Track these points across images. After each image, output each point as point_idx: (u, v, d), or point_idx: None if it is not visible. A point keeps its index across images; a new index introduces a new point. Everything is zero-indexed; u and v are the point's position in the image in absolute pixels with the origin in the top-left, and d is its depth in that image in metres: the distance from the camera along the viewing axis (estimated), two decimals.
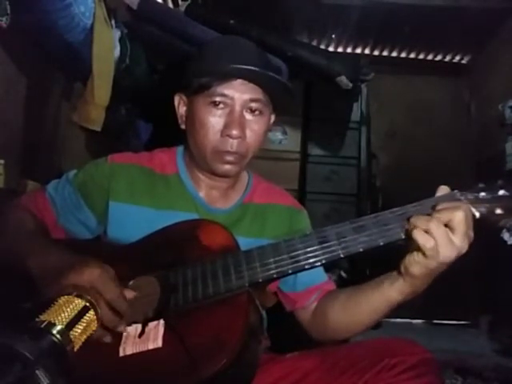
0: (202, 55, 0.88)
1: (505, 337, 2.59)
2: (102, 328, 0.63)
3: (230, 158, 0.83)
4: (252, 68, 0.80)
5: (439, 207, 0.63)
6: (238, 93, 0.81)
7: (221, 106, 0.82)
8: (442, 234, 0.61)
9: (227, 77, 0.81)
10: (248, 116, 0.84)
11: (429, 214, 0.63)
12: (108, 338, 0.66)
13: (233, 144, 0.82)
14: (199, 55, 0.88)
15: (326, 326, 0.84)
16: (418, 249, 0.64)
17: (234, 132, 0.81)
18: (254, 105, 0.83)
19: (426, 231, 0.62)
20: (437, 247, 0.61)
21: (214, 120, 0.82)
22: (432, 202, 0.67)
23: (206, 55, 0.87)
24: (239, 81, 0.81)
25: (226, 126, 0.82)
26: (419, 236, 0.62)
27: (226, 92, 0.81)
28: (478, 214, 0.64)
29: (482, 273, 3.03)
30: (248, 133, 0.84)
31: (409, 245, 0.67)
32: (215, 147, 0.83)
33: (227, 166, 0.85)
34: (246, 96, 0.82)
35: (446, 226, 0.62)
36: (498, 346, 2.57)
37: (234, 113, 0.82)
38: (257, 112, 0.84)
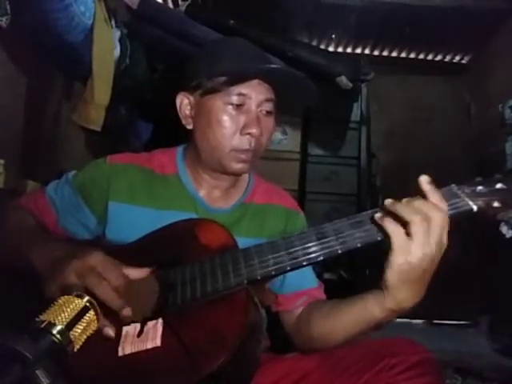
0: (212, 56, 0.87)
1: (505, 337, 2.59)
2: (104, 318, 0.62)
3: (246, 156, 0.85)
4: (276, 66, 0.85)
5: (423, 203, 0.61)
6: (255, 92, 0.84)
7: (239, 105, 0.83)
8: (423, 235, 0.59)
9: (247, 77, 0.82)
10: (261, 115, 0.85)
11: None
12: (109, 331, 0.64)
13: (252, 142, 0.84)
14: (209, 56, 0.88)
15: (306, 333, 0.82)
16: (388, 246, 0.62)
17: (255, 130, 0.83)
18: (267, 104, 0.86)
19: (405, 221, 0.60)
20: (406, 241, 0.59)
21: (233, 119, 0.83)
22: None
23: (218, 56, 0.86)
24: (256, 81, 0.84)
25: (247, 125, 0.83)
26: (390, 227, 0.60)
27: (244, 91, 0.83)
28: (475, 208, 0.64)
29: (482, 273, 3.03)
30: (262, 131, 0.85)
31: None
32: (234, 146, 0.84)
33: (242, 165, 0.86)
34: (262, 96, 0.84)
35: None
36: (498, 346, 2.57)
37: (251, 112, 0.84)
38: (269, 112, 0.87)
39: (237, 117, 0.83)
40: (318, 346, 0.80)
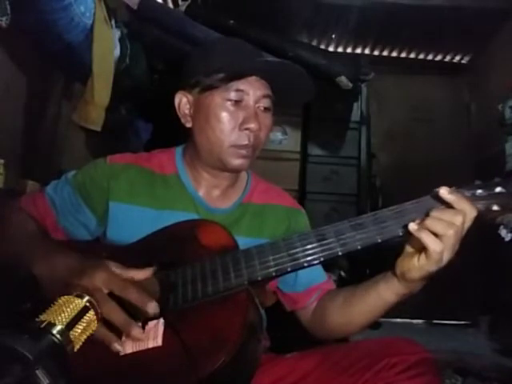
0: (209, 54, 0.88)
1: (505, 337, 2.59)
2: (112, 332, 0.62)
3: (245, 151, 0.85)
4: (274, 60, 0.86)
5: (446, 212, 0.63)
6: (253, 89, 0.84)
7: (237, 101, 0.84)
8: (455, 242, 0.62)
9: (245, 73, 0.83)
10: (259, 111, 0.86)
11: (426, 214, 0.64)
12: (118, 347, 0.63)
13: (250, 137, 0.84)
14: (206, 54, 0.89)
15: (324, 325, 0.85)
16: (420, 252, 0.64)
17: (253, 125, 0.83)
18: (265, 101, 0.87)
19: (439, 235, 0.62)
20: (443, 252, 0.62)
21: (232, 115, 0.84)
22: (429, 199, 0.67)
23: (215, 54, 0.87)
24: (254, 77, 0.84)
25: (245, 120, 0.84)
26: (430, 240, 0.62)
27: (242, 87, 0.84)
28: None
29: (482, 273, 3.03)
30: (261, 127, 0.86)
31: (407, 249, 0.67)
32: (233, 141, 0.84)
33: (241, 160, 0.86)
34: (260, 92, 0.85)
35: None
36: (498, 346, 2.56)
37: (249, 107, 0.85)
38: (267, 108, 0.87)
39: (235, 113, 0.84)
40: (336, 335, 0.85)
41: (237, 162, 0.86)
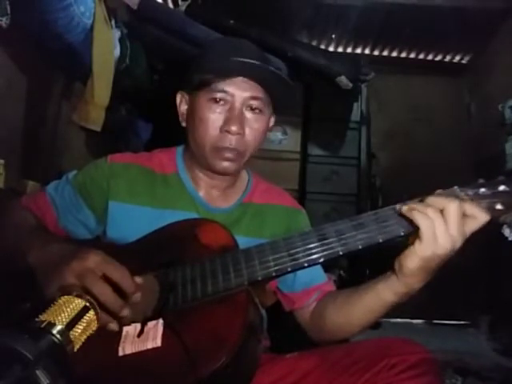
0: (203, 53, 0.89)
1: (505, 337, 2.59)
2: (106, 314, 0.62)
3: (228, 154, 0.84)
4: (252, 62, 0.80)
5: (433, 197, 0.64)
6: (239, 90, 0.82)
7: (221, 102, 0.83)
8: (439, 217, 0.61)
9: (228, 73, 0.82)
10: (248, 114, 0.84)
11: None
12: (114, 326, 0.64)
13: (232, 140, 0.83)
14: (201, 54, 0.89)
15: (323, 327, 0.84)
16: (414, 238, 0.64)
17: (233, 128, 0.81)
18: (254, 102, 0.84)
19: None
20: (434, 230, 0.61)
21: (214, 116, 0.83)
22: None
23: (207, 53, 0.87)
24: (240, 78, 0.82)
25: (226, 122, 0.82)
26: (418, 216, 0.62)
27: (227, 89, 0.82)
28: None
29: (482, 273, 3.03)
30: (247, 130, 0.84)
31: (405, 241, 0.67)
32: (214, 143, 0.83)
33: (226, 163, 0.85)
34: (247, 94, 0.83)
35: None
36: (498, 346, 2.57)
37: (233, 109, 0.83)
38: (257, 110, 0.85)
39: (219, 114, 0.83)
40: (336, 337, 0.84)
41: (221, 164, 0.85)
